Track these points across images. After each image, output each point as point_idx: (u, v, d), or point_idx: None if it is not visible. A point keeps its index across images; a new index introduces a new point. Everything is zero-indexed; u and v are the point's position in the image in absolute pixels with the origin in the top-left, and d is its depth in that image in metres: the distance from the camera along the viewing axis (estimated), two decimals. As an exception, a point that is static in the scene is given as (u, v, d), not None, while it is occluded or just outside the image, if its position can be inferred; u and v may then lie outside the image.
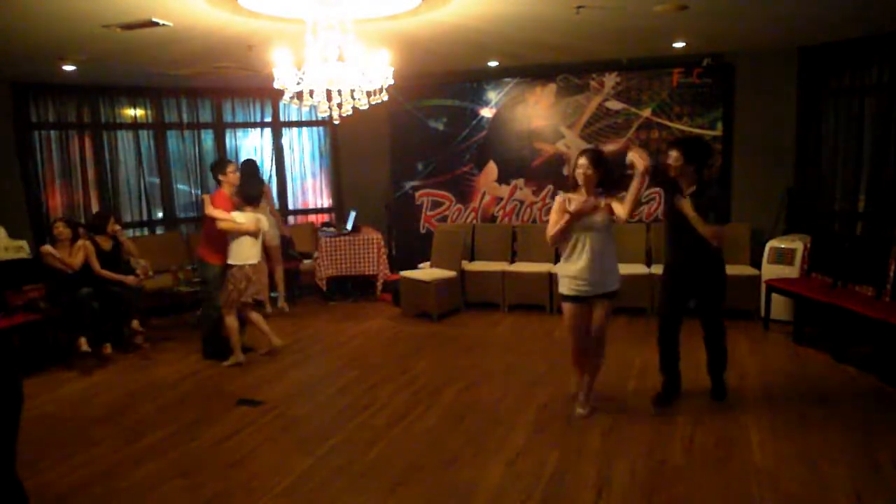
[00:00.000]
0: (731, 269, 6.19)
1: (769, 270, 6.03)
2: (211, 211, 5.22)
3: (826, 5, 4.67)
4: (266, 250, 6.70)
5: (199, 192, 8.08)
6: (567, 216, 3.75)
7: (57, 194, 7.26)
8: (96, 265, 5.73)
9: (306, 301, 7.66)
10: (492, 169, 7.63)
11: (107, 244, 5.91)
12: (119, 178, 7.62)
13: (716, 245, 3.92)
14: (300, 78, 3.87)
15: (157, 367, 5.44)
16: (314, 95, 3.92)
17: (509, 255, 7.35)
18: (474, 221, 7.74)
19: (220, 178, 5.40)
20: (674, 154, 3.96)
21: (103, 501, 3.29)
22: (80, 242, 5.74)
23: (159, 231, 7.91)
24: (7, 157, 6.82)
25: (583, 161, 3.82)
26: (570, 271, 3.86)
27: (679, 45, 6.14)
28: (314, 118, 8.26)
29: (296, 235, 7.81)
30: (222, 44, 5.31)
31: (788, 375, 4.77)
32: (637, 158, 3.74)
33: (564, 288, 3.92)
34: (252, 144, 8.46)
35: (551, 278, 6.64)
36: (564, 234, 3.82)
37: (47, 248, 5.59)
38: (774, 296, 5.82)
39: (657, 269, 6.38)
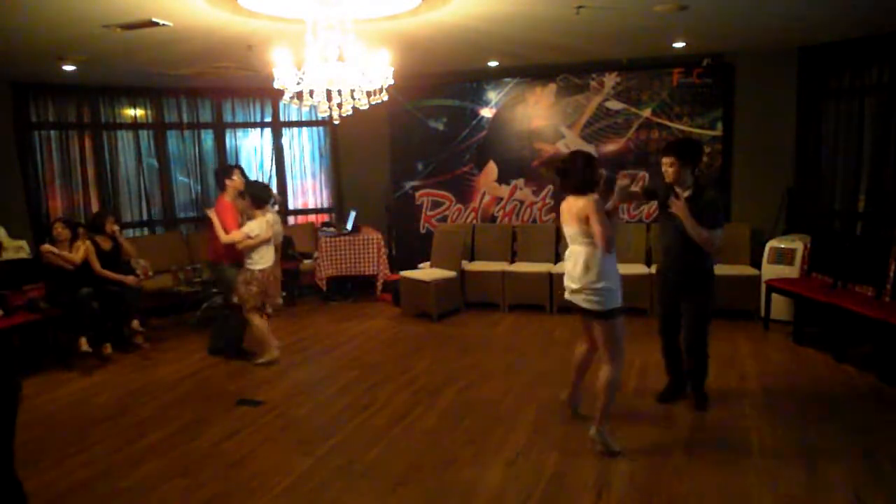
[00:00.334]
0: (731, 269, 6.27)
1: (769, 270, 6.03)
2: (227, 239, 5.16)
3: (826, 5, 4.67)
4: None
5: (199, 188, 8.09)
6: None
7: (57, 194, 7.27)
8: (96, 265, 5.73)
9: (306, 301, 7.66)
10: (492, 169, 7.64)
11: (107, 244, 5.90)
12: (119, 178, 7.63)
13: (708, 250, 3.81)
14: (300, 78, 3.87)
15: (157, 367, 5.44)
16: (314, 95, 3.92)
17: (509, 255, 7.35)
18: (474, 221, 7.74)
19: (227, 182, 5.38)
20: (668, 160, 3.84)
21: (103, 501, 3.29)
22: (79, 242, 5.74)
23: (159, 231, 7.91)
24: (7, 157, 6.82)
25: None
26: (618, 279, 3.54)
27: (679, 45, 6.14)
28: (314, 118, 8.26)
29: (296, 235, 7.80)
30: (222, 44, 5.31)
31: (788, 375, 4.77)
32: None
33: (619, 300, 3.51)
34: (252, 144, 8.46)
35: (551, 278, 6.65)
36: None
37: (47, 246, 5.59)
38: (774, 296, 5.82)
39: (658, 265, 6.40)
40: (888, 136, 5.72)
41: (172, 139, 7.95)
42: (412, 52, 5.84)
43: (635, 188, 4.13)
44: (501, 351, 5.61)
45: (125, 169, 7.69)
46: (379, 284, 7.62)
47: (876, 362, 4.74)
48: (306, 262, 7.67)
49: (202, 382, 5.05)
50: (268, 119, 8.36)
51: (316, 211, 8.73)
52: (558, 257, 6.89)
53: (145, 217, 7.87)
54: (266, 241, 5.22)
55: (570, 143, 7.22)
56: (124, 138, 7.67)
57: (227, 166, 5.63)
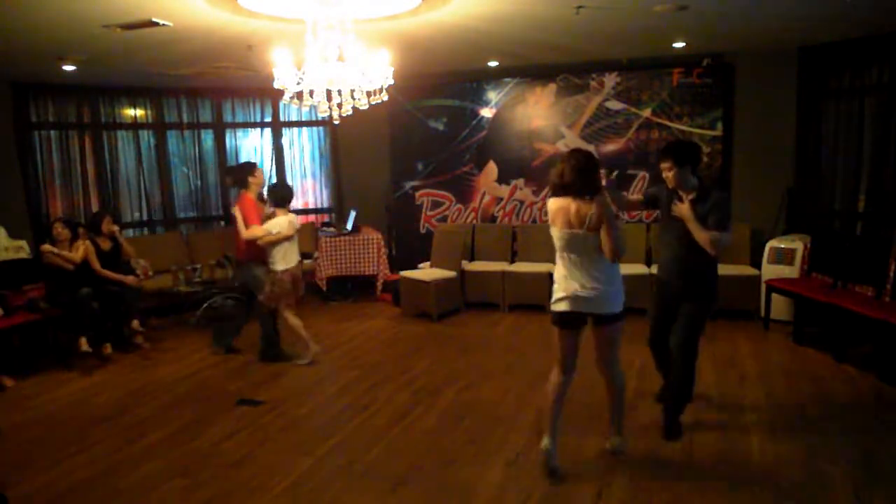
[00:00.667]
0: (731, 269, 6.27)
1: (769, 270, 6.03)
2: (248, 234, 5.17)
3: (826, 5, 4.66)
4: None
5: (199, 182, 8.10)
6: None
7: (57, 194, 7.27)
8: (97, 264, 5.73)
9: (306, 301, 7.65)
10: (492, 169, 7.64)
11: (106, 244, 5.91)
12: (119, 178, 7.63)
13: (713, 254, 3.54)
14: (300, 78, 3.87)
15: (157, 367, 5.44)
16: (314, 95, 3.92)
17: (509, 255, 7.35)
18: (474, 221, 7.74)
19: (250, 180, 5.36)
20: (665, 164, 3.63)
21: (103, 501, 3.29)
22: (79, 242, 5.74)
23: (159, 231, 7.91)
24: (7, 157, 6.82)
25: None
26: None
27: (679, 45, 6.14)
28: (314, 118, 8.26)
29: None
30: (222, 44, 5.31)
31: (788, 375, 4.76)
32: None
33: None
34: (252, 144, 8.46)
35: (551, 278, 6.61)
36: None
37: (47, 246, 5.59)
38: (774, 296, 5.82)
39: (657, 270, 6.40)
40: (888, 136, 5.72)
41: (172, 139, 7.95)
42: (412, 52, 5.84)
43: (635, 196, 3.92)
44: (501, 351, 5.61)
45: (125, 169, 7.69)
46: (379, 284, 7.62)
47: (876, 362, 4.74)
48: (306, 262, 7.65)
49: (202, 382, 5.05)
50: (268, 119, 8.36)
51: (316, 211, 8.73)
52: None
53: (145, 217, 7.87)
54: (288, 239, 5.22)
55: (570, 143, 7.21)
56: (124, 138, 7.67)
57: (248, 163, 5.61)
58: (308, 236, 8.07)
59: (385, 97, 4.17)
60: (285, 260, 5.22)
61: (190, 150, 8.05)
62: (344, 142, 8.38)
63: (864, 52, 5.88)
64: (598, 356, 3.43)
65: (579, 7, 4.42)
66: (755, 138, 6.67)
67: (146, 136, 7.80)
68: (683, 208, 3.57)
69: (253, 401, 4.56)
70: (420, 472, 3.46)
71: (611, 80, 7.05)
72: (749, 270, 6.28)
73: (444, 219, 7.86)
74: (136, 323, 5.81)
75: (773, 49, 6.39)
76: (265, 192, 5.49)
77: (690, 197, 3.60)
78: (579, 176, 3.17)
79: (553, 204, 3.30)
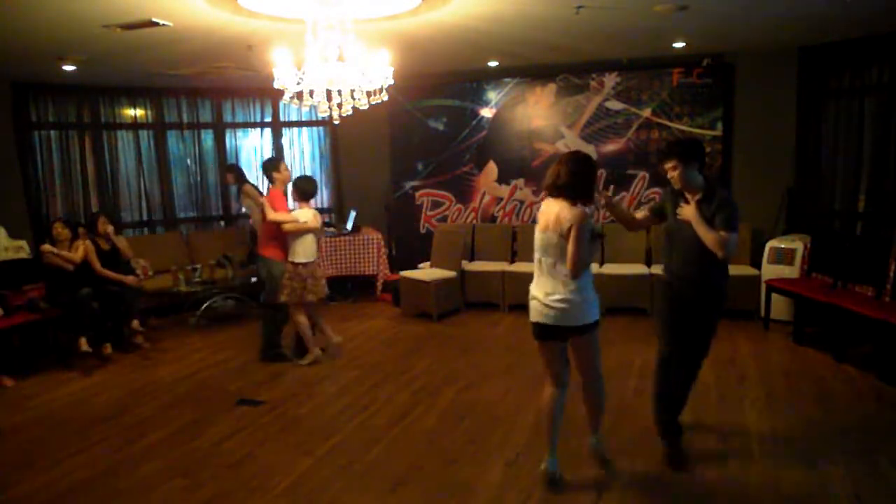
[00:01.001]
0: (731, 269, 6.19)
1: (769, 270, 6.03)
2: (274, 216, 5.16)
3: (826, 5, 4.67)
4: None
5: (199, 179, 8.12)
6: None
7: (57, 194, 7.27)
8: (97, 264, 5.73)
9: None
10: (492, 169, 7.64)
11: (106, 244, 5.91)
12: (119, 178, 7.63)
13: (721, 256, 3.30)
14: (300, 78, 3.87)
15: (157, 367, 5.44)
16: (314, 95, 3.92)
17: (509, 255, 7.35)
18: (474, 221, 7.74)
19: (275, 175, 5.35)
20: (669, 164, 3.37)
21: (103, 501, 3.29)
22: (79, 241, 5.74)
23: (159, 231, 7.91)
24: (7, 157, 6.82)
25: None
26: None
27: (679, 45, 6.14)
28: (314, 118, 8.26)
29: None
30: (222, 44, 5.31)
31: (788, 375, 4.76)
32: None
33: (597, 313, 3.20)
34: (252, 144, 8.46)
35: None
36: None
37: (47, 246, 5.59)
38: (774, 296, 5.82)
39: (657, 270, 6.40)
40: (888, 136, 5.72)
41: (172, 139, 7.95)
42: (412, 52, 5.85)
43: (643, 213, 3.70)
44: (501, 351, 5.61)
45: (125, 169, 7.69)
46: (379, 284, 7.62)
47: (876, 362, 4.74)
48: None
49: (202, 382, 5.05)
50: (268, 119, 8.36)
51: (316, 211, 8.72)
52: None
53: (145, 217, 7.87)
54: (312, 231, 5.22)
55: (570, 143, 7.22)
56: (124, 138, 7.67)
57: (273, 159, 5.62)
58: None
59: (385, 97, 4.18)
60: (306, 254, 5.21)
61: (190, 150, 8.05)
62: (344, 142, 8.38)
63: (864, 52, 5.88)
64: (576, 365, 3.27)
65: (579, 7, 4.43)
66: (755, 138, 6.67)
67: (146, 136, 7.80)
68: (689, 210, 3.35)
69: (253, 401, 4.56)
70: (420, 472, 3.46)
71: (611, 80, 7.05)
72: (749, 270, 6.28)
73: (444, 219, 7.86)
74: (136, 323, 5.81)
75: (773, 49, 6.39)
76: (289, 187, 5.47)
77: (696, 198, 3.38)
78: (575, 178, 3.05)
79: (544, 206, 3.20)
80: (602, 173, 3.28)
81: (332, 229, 7.88)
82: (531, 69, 7.27)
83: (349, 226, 7.69)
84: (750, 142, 6.70)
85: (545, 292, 3.13)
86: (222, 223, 8.38)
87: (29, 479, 3.51)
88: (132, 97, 7.66)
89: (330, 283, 7.41)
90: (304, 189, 5.32)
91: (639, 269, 6.54)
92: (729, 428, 3.88)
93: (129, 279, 5.88)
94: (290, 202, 5.82)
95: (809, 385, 4.55)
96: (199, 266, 6.82)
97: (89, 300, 5.47)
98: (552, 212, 3.10)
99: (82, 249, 5.69)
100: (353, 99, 4.05)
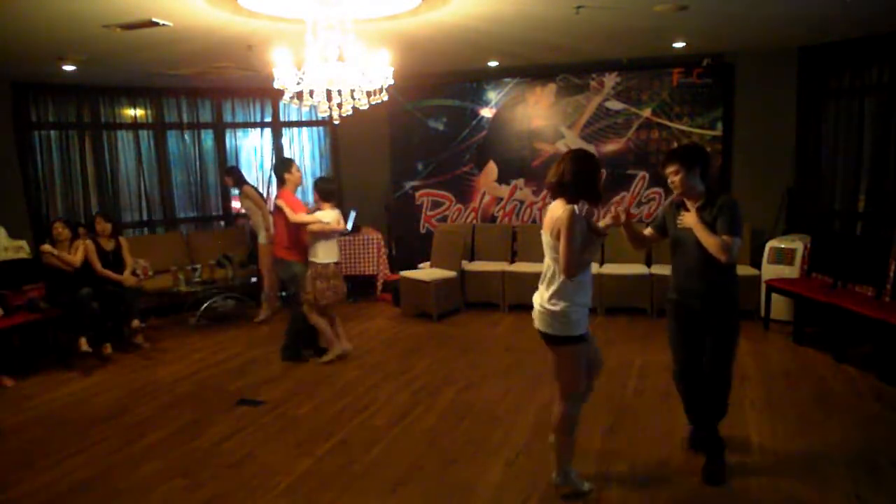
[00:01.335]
0: (731, 269, 6.25)
1: (769, 270, 6.03)
2: (296, 217, 5.14)
3: (826, 5, 4.66)
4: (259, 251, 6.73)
5: (199, 179, 8.12)
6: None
7: (57, 194, 7.27)
8: (97, 265, 5.74)
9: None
10: (492, 169, 7.64)
11: (109, 244, 5.91)
12: (119, 178, 7.63)
13: (724, 261, 3.25)
14: (300, 78, 3.87)
15: (157, 367, 5.44)
16: (314, 95, 3.92)
17: (509, 255, 7.35)
18: (474, 221, 7.74)
19: (286, 176, 5.34)
20: (672, 168, 3.27)
21: (103, 501, 3.29)
22: (78, 241, 5.74)
23: (159, 231, 7.91)
24: (7, 157, 6.82)
25: None
26: (586, 299, 3.05)
27: (679, 45, 6.14)
28: (314, 118, 8.26)
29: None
30: (222, 44, 5.31)
31: (788, 375, 4.76)
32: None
33: (583, 327, 3.01)
34: (252, 144, 8.46)
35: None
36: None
37: (47, 246, 5.59)
38: (774, 296, 5.82)
39: (657, 270, 6.41)
40: (888, 136, 5.72)
41: (172, 139, 7.95)
42: (412, 52, 5.85)
43: (648, 231, 3.59)
44: (501, 351, 5.61)
45: (125, 169, 7.69)
46: (379, 284, 7.62)
47: (876, 362, 4.74)
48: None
49: (202, 382, 5.05)
50: (268, 119, 8.36)
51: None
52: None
53: (145, 217, 7.87)
54: (334, 232, 5.22)
55: (570, 143, 7.22)
56: (124, 138, 7.67)
57: (286, 160, 5.59)
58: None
59: (385, 97, 4.18)
60: (327, 255, 5.21)
61: (190, 151, 8.05)
62: (344, 142, 8.38)
63: (864, 52, 5.88)
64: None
65: (579, 7, 4.42)
66: (755, 138, 6.67)
67: (146, 136, 7.80)
68: (690, 217, 3.26)
69: (253, 401, 4.56)
70: (420, 472, 3.46)
71: (611, 80, 7.05)
72: (749, 270, 6.28)
73: (444, 219, 7.86)
74: (136, 323, 5.81)
75: (773, 49, 6.39)
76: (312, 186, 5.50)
77: (697, 205, 3.30)
78: (577, 177, 2.91)
79: (549, 207, 3.07)
80: (602, 173, 3.19)
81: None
82: (531, 69, 7.27)
83: (349, 226, 7.69)
84: (750, 142, 6.70)
85: (539, 295, 3.05)
86: (222, 223, 8.38)
87: (29, 479, 3.51)
88: (132, 97, 7.66)
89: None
90: (328, 189, 5.33)
91: (639, 269, 6.54)
92: (729, 428, 3.87)
93: (130, 279, 5.88)
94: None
95: (809, 385, 4.55)
96: (199, 266, 6.83)
97: (89, 300, 5.47)
98: (552, 213, 2.99)
99: (82, 251, 5.69)
100: (353, 99, 4.05)
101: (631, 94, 7.01)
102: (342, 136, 8.31)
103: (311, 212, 5.33)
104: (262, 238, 6.75)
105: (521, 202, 7.58)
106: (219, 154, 8.16)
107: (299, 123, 8.45)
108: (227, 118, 8.18)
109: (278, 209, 5.25)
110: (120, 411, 4.48)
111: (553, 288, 2.94)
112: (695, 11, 4.67)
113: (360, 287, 7.75)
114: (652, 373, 4.67)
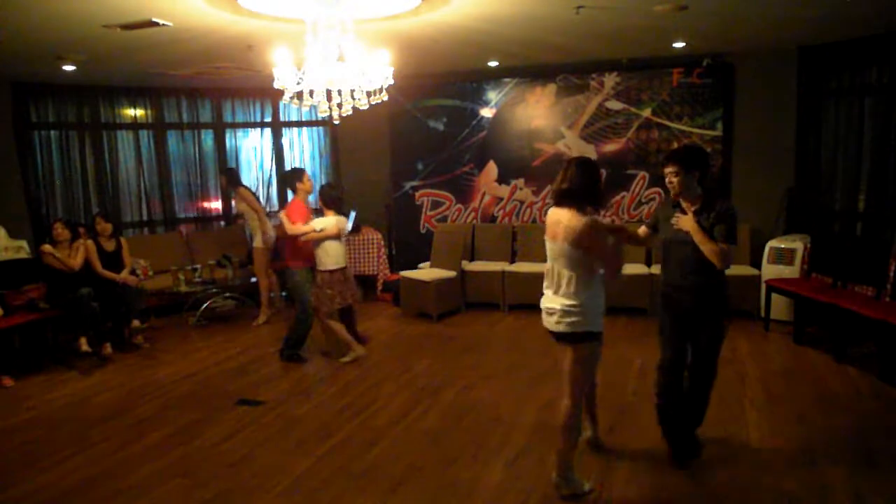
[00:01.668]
0: (730, 270, 6.19)
1: (769, 270, 6.03)
2: (291, 229, 5.19)
3: (826, 5, 4.66)
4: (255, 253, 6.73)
5: (199, 179, 8.13)
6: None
7: (57, 194, 7.27)
8: (98, 265, 5.74)
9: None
10: (492, 169, 7.63)
11: (110, 245, 5.90)
12: (119, 178, 7.63)
13: (720, 267, 3.26)
14: (300, 78, 3.87)
15: (157, 367, 5.44)
16: (314, 95, 3.93)
17: (509, 255, 7.35)
18: (474, 221, 7.74)
19: (298, 185, 5.41)
20: (671, 169, 3.29)
21: (103, 501, 3.29)
22: (78, 242, 5.74)
23: (159, 231, 7.91)
24: (7, 157, 6.82)
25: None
26: (602, 303, 3.16)
27: (679, 45, 6.14)
28: (314, 118, 8.26)
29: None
30: (222, 44, 5.31)
31: (788, 375, 4.76)
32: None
33: (599, 324, 3.12)
34: (252, 144, 8.46)
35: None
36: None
37: (47, 247, 5.59)
38: (774, 296, 5.82)
39: (657, 269, 6.40)
40: (888, 136, 5.72)
41: (172, 139, 7.95)
42: (412, 52, 5.85)
43: (643, 230, 3.63)
44: (501, 351, 5.61)
45: (125, 169, 7.69)
46: (379, 284, 7.62)
47: (876, 362, 4.74)
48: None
49: (202, 382, 5.05)
50: (268, 119, 8.36)
51: (316, 211, 8.72)
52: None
53: (145, 217, 7.87)
54: (333, 238, 5.23)
55: (570, 143, 7.22)
56: (124, 138, 7.67)
57: (297, 170, 5.63)
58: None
59: (385, 97, 4.18)
60: (334, 261, 5.24)
61: (190, 151, 8.05)
62: (344, 142, 8.38)
63: (864, 52, 5.88)
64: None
65: (579, 7, 4.42)
66: (755, 138, 6.67)
67: (146, 136, 7.80)
68: (687, 220, 3.29)
69: (253, 401, 4.56)
70: (420, 472, 3.46)
71: (611, 80, 7.05)
72: (749, 270, 6.28)
73: (444, 219, 7.85)
74: (136, 323, 5.81)
75: (773, 49, 6.39)
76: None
77: (694, 208, 3.32)
78: (587, 184, 3.01)
79: (551, 214, 3.14)
80: (602, 173, 3.22)
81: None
82: (531, 69, 7.27)
83: (349, 226, 7.68)
84: (750, 142, 6.70)
85: (548, 297, 3.15)
86: (222, 223, 8.38)
87: (29, 479, 3.51)
88: (132, 97, 7.66)
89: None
90: (330, 195, 5.36)
91: (639, 269, 6.53)
92: (729, 428, 3.87)
93: (130, 279, 5.88)
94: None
95: (809, 385, 4.55)
96: (199, 266, 6.83)
97: (89, 300, 5.47)
98: (560, 221, 3.03)
99: (81, 252, 5.69)
100: (353, 99, 4.05)
101: (631, 94, 7.00)
102: (342, 136, 8.31)
103: (312, 217, 5.36)
104: (257, 241, 6.71)
105: (521, 202, 7.57)
106: (219, 154, 8.16)
107: (299, 123, 8.45)
108: (227, 118, 8.18)
109: (281, 223, 5.35)
110: (120, 411, 4.48)
111: (571, 290, 3.04)
112: (695, 11, 4.67)
113: (360, 287, 7.73)
114: (652, 373, 4.64)
